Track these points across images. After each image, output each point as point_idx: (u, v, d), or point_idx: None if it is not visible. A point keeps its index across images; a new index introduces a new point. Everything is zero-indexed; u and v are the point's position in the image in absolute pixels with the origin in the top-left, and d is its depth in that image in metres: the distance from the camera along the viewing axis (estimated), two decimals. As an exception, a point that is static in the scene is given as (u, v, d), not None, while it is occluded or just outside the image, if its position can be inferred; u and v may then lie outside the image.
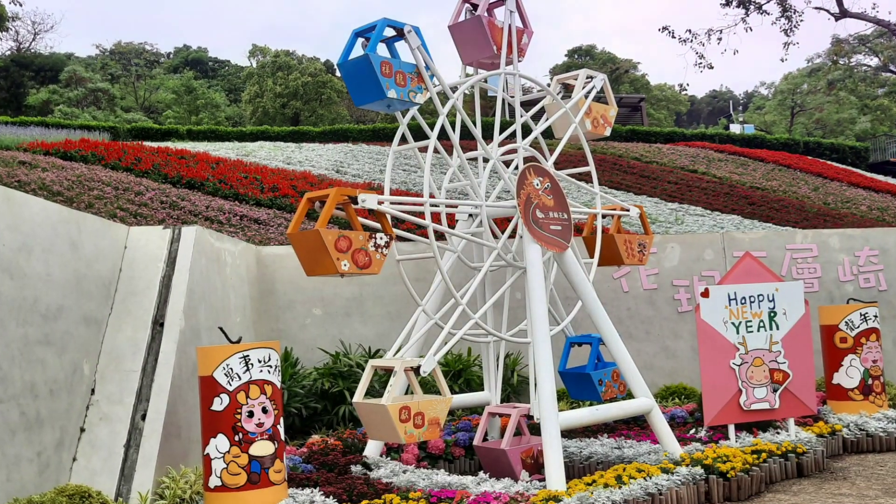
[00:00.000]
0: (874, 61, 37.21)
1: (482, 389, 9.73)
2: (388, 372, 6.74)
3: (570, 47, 76.41)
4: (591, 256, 9.08)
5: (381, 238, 6.78)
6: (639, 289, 12.34)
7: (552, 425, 7.20)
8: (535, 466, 7.78)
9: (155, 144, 31.28)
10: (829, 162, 43.62)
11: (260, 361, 6.58)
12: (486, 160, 8.21)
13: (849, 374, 9.97)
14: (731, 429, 8.71)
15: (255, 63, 70.57)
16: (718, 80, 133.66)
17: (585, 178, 9.87)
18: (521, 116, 8.51)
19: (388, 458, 8.27)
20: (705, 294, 8.97)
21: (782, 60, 33.90)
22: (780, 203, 29.94)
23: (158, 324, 7.59)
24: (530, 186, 7.97)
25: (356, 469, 7.77)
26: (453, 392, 9.56)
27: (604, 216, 9.25)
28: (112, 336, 7.45)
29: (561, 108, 8.85)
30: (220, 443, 6.38)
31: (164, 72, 78.25)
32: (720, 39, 30.60)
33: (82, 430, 6.89)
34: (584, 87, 9.11)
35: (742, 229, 24.36)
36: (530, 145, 8.48)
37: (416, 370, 6.71)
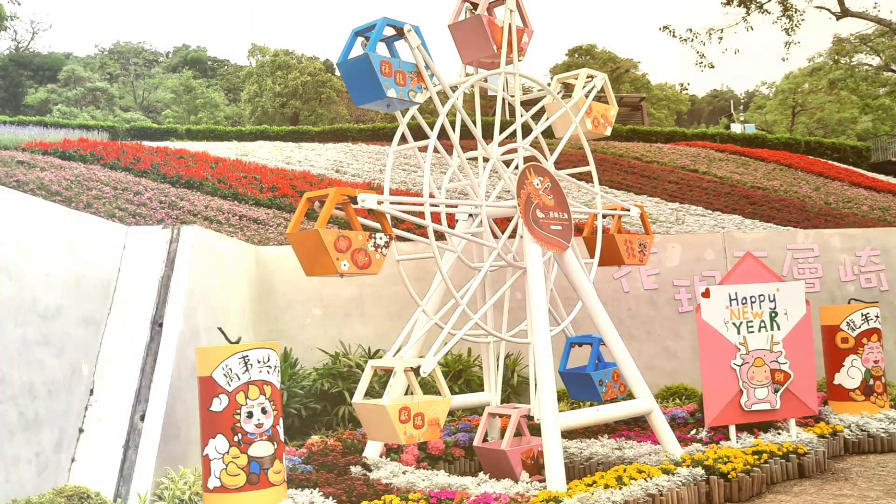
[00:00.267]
0: (876, 61, 37.15)
1: (482, 390, 9.71)
2: (388, 372, 6.72)
3: (571, 46, 76.32)
4: (592, 256, 9.06)
5: (380, 238, 6.75)
6: (639, 289, 12.31)
7: (552, 426, 7.18)
8: (536, 467, 7.76)
9: (154, 144, 31.30)
10: (830, 162, 43.55)
11: (259, 362, 6.56)
12: (486, 160, 8.19)
13: (850, 375, 9.95)
14: (732, 429, 8.69)
15: (255, 62, 70.52)
16: (719, 79, 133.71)
17: (586, 177, 9.82)
18: (522, 116, 8.49)
19: (388, 459, 8.25)
20: (706, 294, 8.95)
21: (783, 59, 33.74)
22: (782, 203, 29.92)
23: (157, 324, 7.56)
24: (530, 186, 7.94)
25: (356, 470, 7.75)
26: (453, 392, 9.53)
27: (604, 216, 9.23)
28: (111, 336, 7.41)
29: (561, 107, 8.83)
30: (219, 443, 6.36)
31: (163, 71, 78.27)
32: (721, 39, 30.61)
33: (81, 430, 6.86)
34: (584, 87, 9.09)
35: (743, 229, 24.35)
36: (530, 145, 8.45)
37: (416, 371, 6.68)
